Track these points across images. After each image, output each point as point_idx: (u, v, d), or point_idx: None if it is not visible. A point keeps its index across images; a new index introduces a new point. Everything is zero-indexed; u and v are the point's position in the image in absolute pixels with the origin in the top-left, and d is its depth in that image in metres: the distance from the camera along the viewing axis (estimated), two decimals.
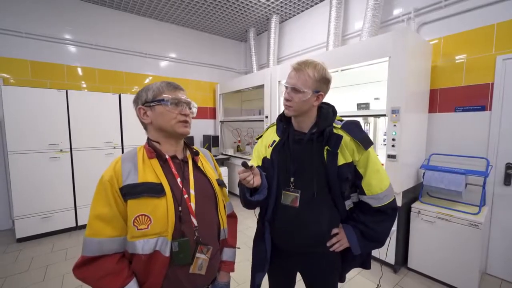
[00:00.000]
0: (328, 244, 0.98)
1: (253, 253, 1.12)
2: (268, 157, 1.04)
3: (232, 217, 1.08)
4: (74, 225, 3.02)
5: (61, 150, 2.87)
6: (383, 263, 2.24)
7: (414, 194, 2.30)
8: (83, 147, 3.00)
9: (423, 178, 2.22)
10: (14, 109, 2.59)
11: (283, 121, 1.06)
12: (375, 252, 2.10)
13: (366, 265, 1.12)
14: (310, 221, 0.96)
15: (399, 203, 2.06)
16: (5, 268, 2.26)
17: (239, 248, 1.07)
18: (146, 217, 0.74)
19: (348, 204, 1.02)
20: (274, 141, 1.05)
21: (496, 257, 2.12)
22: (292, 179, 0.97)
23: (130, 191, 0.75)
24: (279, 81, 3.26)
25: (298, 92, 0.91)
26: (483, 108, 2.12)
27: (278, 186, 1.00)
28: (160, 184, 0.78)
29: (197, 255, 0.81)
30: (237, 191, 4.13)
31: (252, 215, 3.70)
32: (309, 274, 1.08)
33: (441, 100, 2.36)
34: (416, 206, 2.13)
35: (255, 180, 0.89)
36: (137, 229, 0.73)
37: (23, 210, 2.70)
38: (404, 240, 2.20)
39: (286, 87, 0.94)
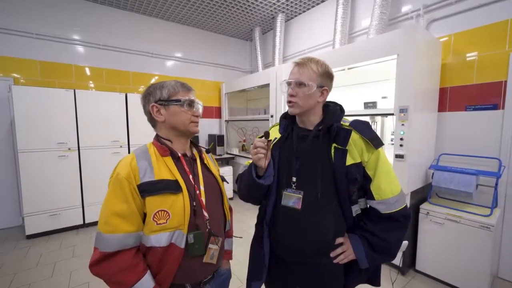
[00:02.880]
0: (332, 255, 0.89)
1: (249, 259, 1.04)
2: None
3: (230, 210, 1.11)
4: (81, 222, 3.06)
5: (69, 149, 2.92)
6: (390, 265, 2.20)
7: (423, 195, 2.25)
8: (91, 146, 3.04)
9: (432, 178, 2.17)
10: (24, 108, 2.65)
11: (287, 118, 1.00)
12: None
13: (374, 281, 1.00)
14: (313, 225, 0.87)
15: (407, 203, 2.01)
16: (15, 264, 2.31)
17: (241, 237, 1.11)
18: (165, 213, 0.78)
19: (355, 209, 0.92)
20: (276, 138, 0.99)
21: (508, 261, 2.05)
22: (294, 178, 0.90)
23: (149, 188, 0.78)
24: (284, 80, 3.24)
25: (303, 86, 0.87)
26: (495, 107, 2.06)
27: (278, 186, 0.93)
28: (176, 181, 0.82)
29: (210, 245, 0.86)
30: None
31: (256, 215, 3.69)
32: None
33: (451, 98, 2.30)
34: (424, 207, 2.09)
35: (265, 162, 0.88)
36: (157, 223, 0.77)
37: (32, 208, 2.76)
38: (412, 242, 2.15)
39: (289, 84, 0.91)
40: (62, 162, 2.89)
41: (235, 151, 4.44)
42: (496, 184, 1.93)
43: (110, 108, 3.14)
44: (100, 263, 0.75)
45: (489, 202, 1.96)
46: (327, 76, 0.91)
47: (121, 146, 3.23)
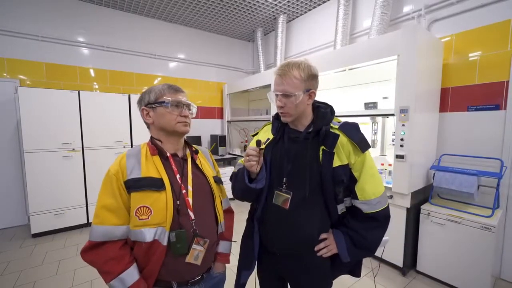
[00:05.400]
0: (315, 249, 0.95)
1: (240, 250, 1.10)
2: None
3: (229, 212, 1.13)
4: (85, 221, 3.11)
5: (73, 149, 2.97)
6: (391, 265, 2.20)
7: (424, 195, 2.25)
8: (95, 146, 3.09)
9: (433, 179, 2.16)
10: (30, 110, 2.70)
11: (279, 119, 1.01)
12: (385, 255, 2.07)
13: (355, 273, 1.07)
14: (300, 223, 0.93)
15: (407, 204, 2.02)
16: (21, 262, 2.36)
17: (236, 241, 1.11)
18: (147, 209, 0.81)
19: (341, 208, 0.97)
20: (268, 139, 1.02)
21: (510, 262, 2.04)
22: (285, 179, 0.94)
23: (134, 185, 0.82)
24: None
25: (289, 97, 0.88)
26: (497, 107, 2.04)
27: (270, 185, 0.97)
28: (161, 179, 0.85)
29: (194, 246, 0.86)
30: None
31: None
32: (297, 280, 1.01)
33: (453, 99, 2.29)
34: (425, 207, 2.08)
35: (256, 168, 0.92)
36: (139, 219, 0.80)
37: (37, 207, 2.81)
38: (413, 242, 2.15)
39: (277, 95, 0.92)
40: (67, 162, 2.94)
41: (237, 151, 4.46)
42: (498, 185, 1.92)
43: (114, 109, 3.18)
44: (89, 251, 0.81)
45: (491, 203, 1.95)
46: (311, 79, 0.91)
47: (124, 147, 3.27)
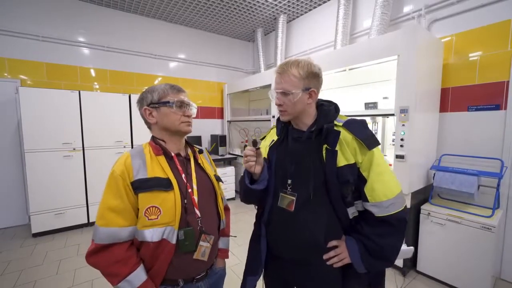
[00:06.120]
0: (324, 257, 0.88)
1: (247, 255, 1.08)
2: (265, 156, 0.99)
3: (226, 209, 1.14)
4: (86, 221, 3.12)
5: (74, 149, 2.97)
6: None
7: (424, 195, 2.25)
8: (95, 146, 3.09)
9: (433, 179, 2.16)
10: (30, 109, 2.70)
11: (282, 121, 1.00)
12: None
13: (376, 287, 0.95)
14: (305, 225, 0.88)
15: (407, 204, 2.01)
16: (22, 262, 2.36)
17: (236, 236, 1.13)
18: (156, 209, 0.81)
19: (352, 212, 0.90)
20: (273, 140, 1.01)
21: (510, 262, 2.03)
22: (289, 181, 0.91)
23: (141, 185, 0.81)
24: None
25: (287, 95, 0.86)
26: (497, 107, 2.04)
27: (275, 187, 0.95)
28: (168, 179, 0.85)
29: (201, 243, 0.88)
30: None
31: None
32: (302, 286, 0.97)
33: (453, 99, 2.29)
34: (425, 208, 2.08)
35: (256, 168, 0.90)
36: (148, 219, 0.80)
37: (38, 207, 2.82)
38: (413, 243, 2.14)
39: (276, 93, 0.90)
40: (67, 162, 2.94)
41: (237, 151, 4.47)
42: (498, 185, 1.92)
43: (114, 109, 3.19)
44: (95, 254, 0.79)
45: (491, 203, 1.95)
46: (312, 77, 0.87)
47: (124, 147, 3.27)
